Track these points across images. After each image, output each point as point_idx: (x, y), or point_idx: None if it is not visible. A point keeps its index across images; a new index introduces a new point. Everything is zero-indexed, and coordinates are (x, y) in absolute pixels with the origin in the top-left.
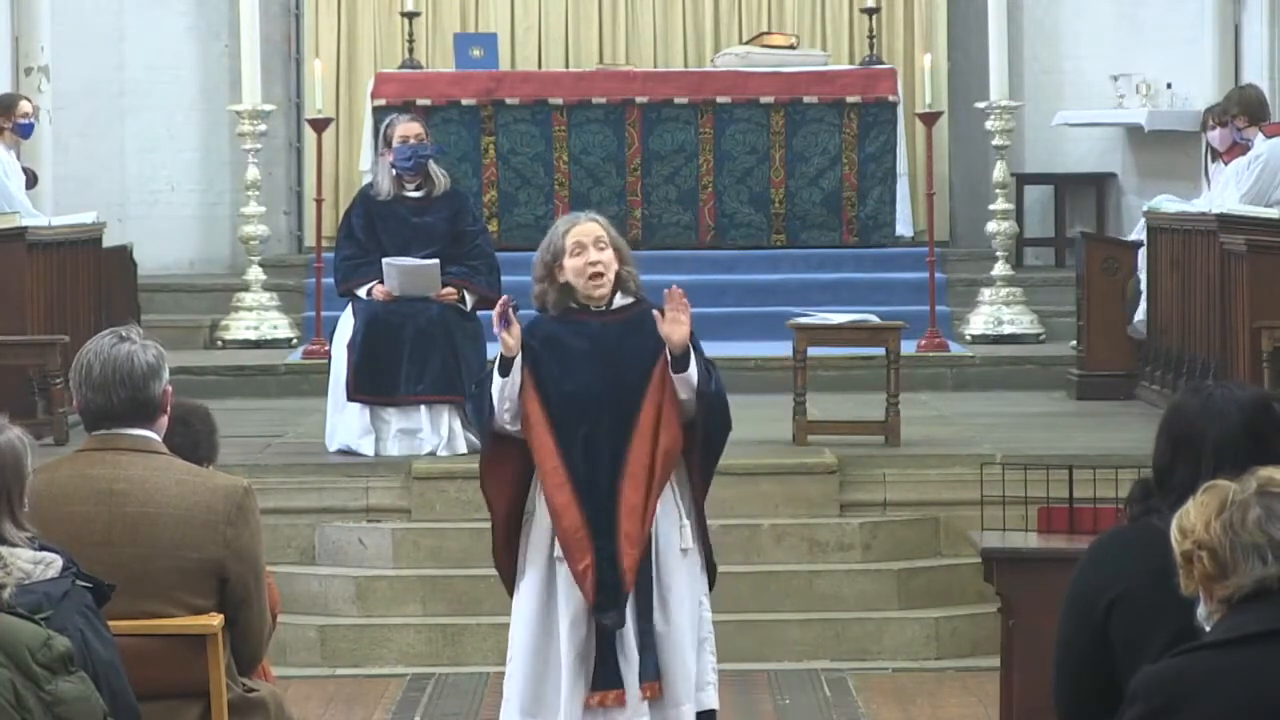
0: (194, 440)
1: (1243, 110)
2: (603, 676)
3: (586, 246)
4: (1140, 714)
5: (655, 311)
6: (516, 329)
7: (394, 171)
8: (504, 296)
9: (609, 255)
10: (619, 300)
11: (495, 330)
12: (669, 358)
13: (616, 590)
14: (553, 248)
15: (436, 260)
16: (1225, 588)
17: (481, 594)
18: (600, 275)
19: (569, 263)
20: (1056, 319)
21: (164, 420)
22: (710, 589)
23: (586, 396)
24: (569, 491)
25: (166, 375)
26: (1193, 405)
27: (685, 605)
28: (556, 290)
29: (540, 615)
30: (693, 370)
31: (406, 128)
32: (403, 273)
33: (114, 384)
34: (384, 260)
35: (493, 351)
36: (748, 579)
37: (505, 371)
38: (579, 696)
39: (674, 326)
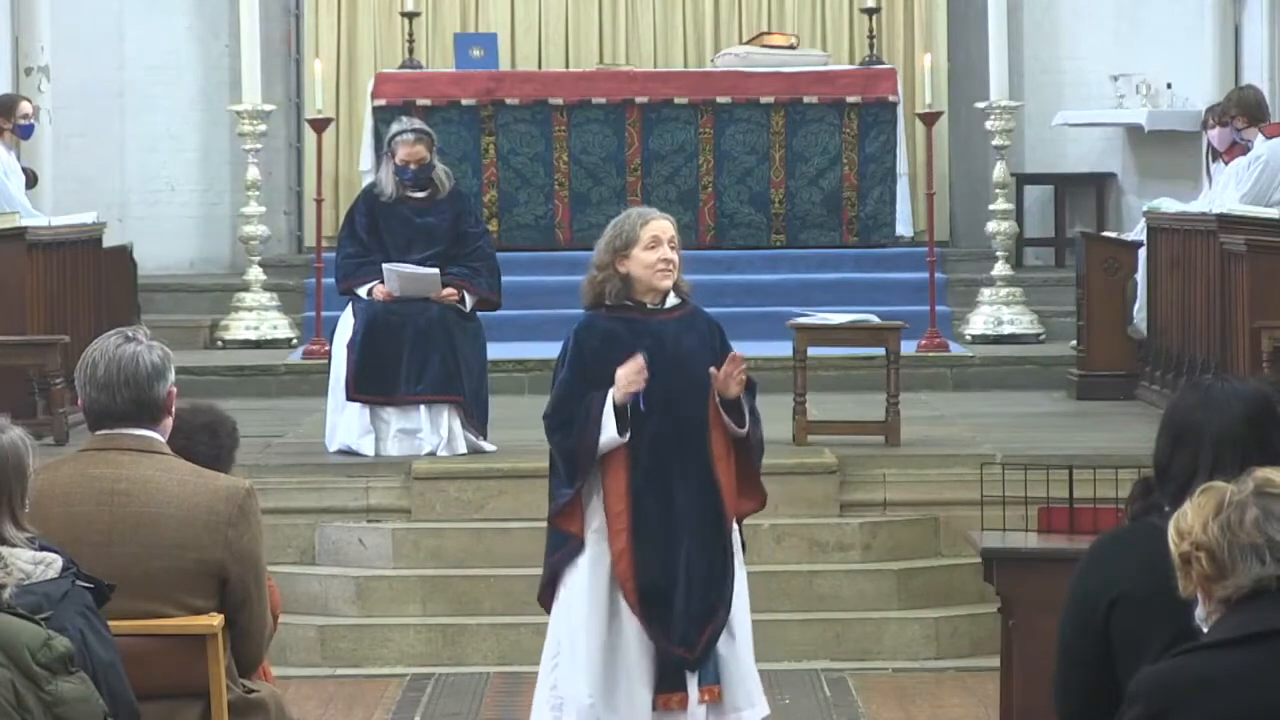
0: (217, 451)
1: (1241, 111)
2: (667, 679)
3: (663, 242)
4: (1140, 714)
5: (712, 369)
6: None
7: (397, 178)
8: (640, 359)
9: (677, 256)
10: (670, 300)
11: (626, 385)
12: (720, 404)
13: (690, 629)
14: (625, 236)
15: (436, 270)
16: (1224, 588)
17: (481, 594)
18: (670, 272)
19: (640, 254)
20: (1056, 319)
21: (168, 421)
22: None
23: (652, 393)
24: (626, 537)
25: (172, 377)
26: (1193, 398)
27: (741, 611)
28: (619, 279)
29: (607, 612)
30: (749, 427)
31: (409, 151)
32: (403, 278)
33: (118, 384)
34: (384, 266)
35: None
36: (748, 579)
37: (623, 430)
38: (647, 698)
39: (728, 383)
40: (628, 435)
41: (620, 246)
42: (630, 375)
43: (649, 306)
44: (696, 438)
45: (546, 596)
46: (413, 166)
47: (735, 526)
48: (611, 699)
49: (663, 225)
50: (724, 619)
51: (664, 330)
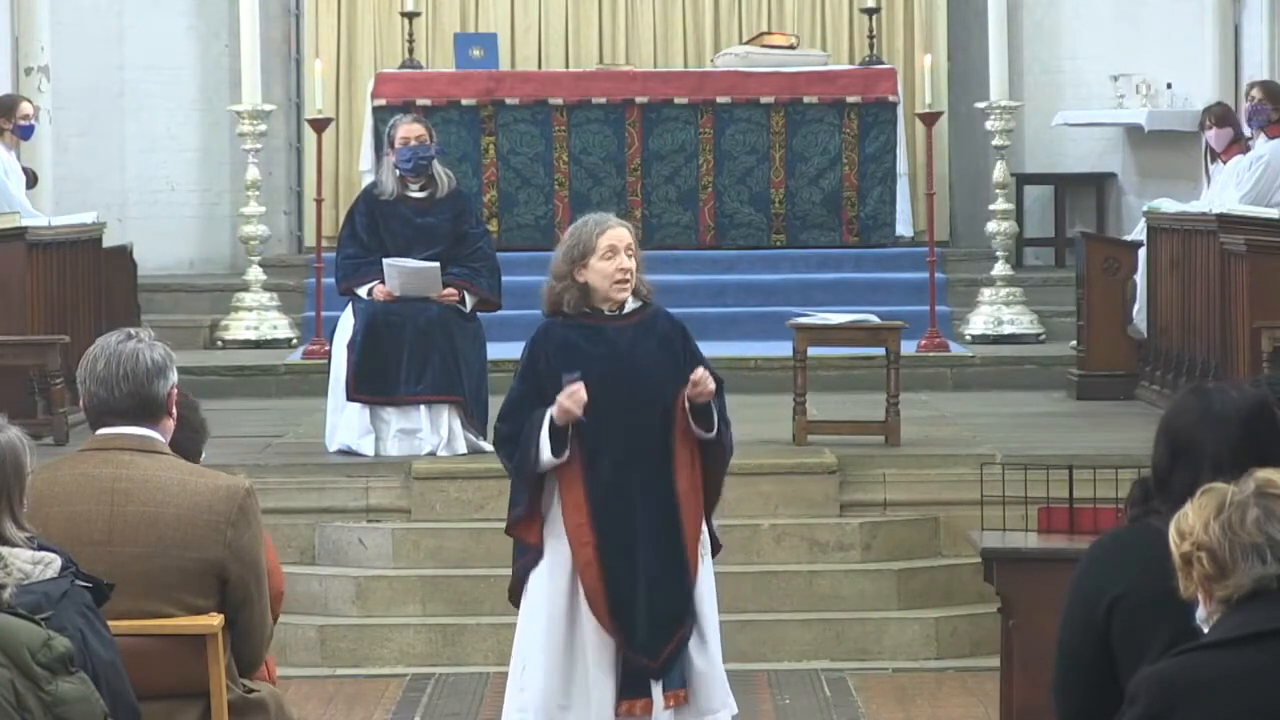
0: (197, 436)
1: (1266, 95)
2: (630, 685)
3: (619, 251)
4: (1140, 714)
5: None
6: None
7: (397, 172)
8: (578, 386)
9: (634, 263)
10: (629, 305)
11: (560, 411)
12: (690, 410)
13: (654, 639)
14: (582, 246)
15: (437, 264)
16: (1224, 588)
17: (481, 594)
18: (627, 282)
19: (597, 264)
20: (1056, 319)
21: (169, 422)
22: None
23: (609, 402)
24: (592, 549)
25: (173, 377)
26: (1192, 410)
27: (710, 613)
28: (577, 289)
29: (566, 617)
30: (716, 431)
31: (408, 129)
32: (403, 274)
33: (118, 378)
34: (384, 261)
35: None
36: (748, 579)
37: (558, 450)
38: (608, 702)
39: (698, 392)
40: (565, 455)
41: (578, 256)
42: (563, 402)
43: (606, 313)
44: (655, 445)
45: (516, 596)
46: (413, 143)
47: (706, 529)
48: (572, 703)
49: (619, 233)
50: (690, 626)
51: (620, 337)
